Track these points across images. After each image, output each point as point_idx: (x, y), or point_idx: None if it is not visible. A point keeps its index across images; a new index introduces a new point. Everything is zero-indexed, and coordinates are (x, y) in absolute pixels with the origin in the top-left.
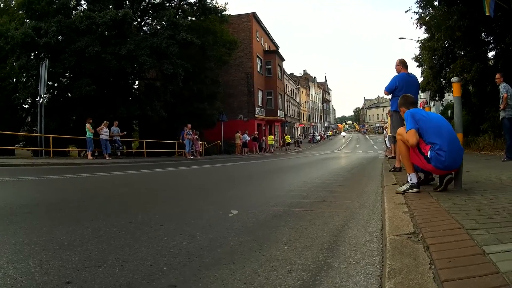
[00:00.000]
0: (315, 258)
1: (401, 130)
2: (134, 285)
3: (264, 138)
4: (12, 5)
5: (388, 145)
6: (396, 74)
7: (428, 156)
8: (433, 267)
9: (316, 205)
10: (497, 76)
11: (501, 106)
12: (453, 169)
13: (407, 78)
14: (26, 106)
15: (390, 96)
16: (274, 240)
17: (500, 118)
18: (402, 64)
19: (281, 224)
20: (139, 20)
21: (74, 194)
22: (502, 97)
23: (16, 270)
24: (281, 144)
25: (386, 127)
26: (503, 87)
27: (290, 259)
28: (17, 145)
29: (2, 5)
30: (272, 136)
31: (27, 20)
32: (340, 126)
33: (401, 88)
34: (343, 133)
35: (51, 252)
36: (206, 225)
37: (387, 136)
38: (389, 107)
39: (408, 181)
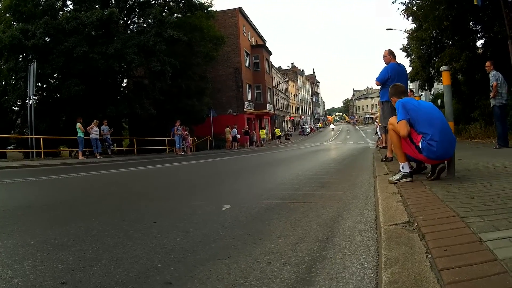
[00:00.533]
0: (310, 250)
1: (392, 119)
2: (129, 283)
3: (254, 132)
4: None
5: (379, 135)
6: (385, 64)
7: (420, 146)
8: (429, 256)
9: (309, 197)
10: (487, 64)
11: (491, 94)
12: (445, 158)
13: (397, 68)
14: (16, 108)
15: (379, 87)
16: (268, 233)
17: (491, 106)
18: (392, 54)
19: (274, 217)
20: (125, 18)
21: (66, 194)
22: (492, 85)
23: (11, 272)
24: (271, 137)
25: (377, 117)
26: (493, 75)
27: (285, 252)
28: (8, 147)
29: None
30: (264, 130)
31: (14, 23)
32: (330, 118)
33: (393, 78)
34: (332, 125)
35: (45, 253)
36: (199, 221)
37: (378, 127)
38: (379, 98)
39: (400, 171)
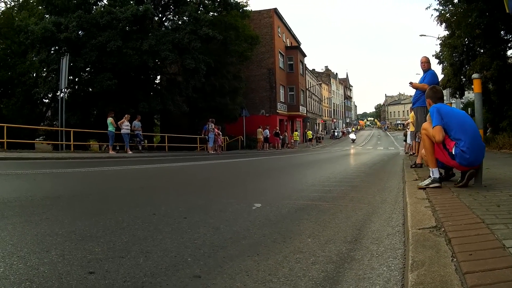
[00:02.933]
0: (339, 250)
1: (426, 125)
2: (158, 275)
3: (285, 133)
4: (31, 1)
5: (409, 141)
6: (423, 70)
7: (453, 153)
8: (455, 259)
9: (339, 199)
10: None
11: None
12: (475, 165)
13: (436, 75)
14: (46, 100)
15: (413, 92)
16: (298, 232)
17: None
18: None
19: (304, 217)
20: (160, 15)
21: (96, 187)
22: None
23: (38, 260)
24: (302, 140)
25: (408, 123)
26: None
27: (313, 252)
28: (37, 139)
29: (21, 0)
30: (297, 132)
31: (46, 16)
32: (361, 122)
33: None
34: (352, 135)
35: (73, 243)
36: (230, 218)
37: (409, 132)
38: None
39: (430, 176)
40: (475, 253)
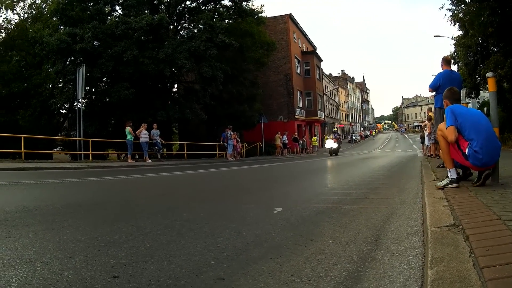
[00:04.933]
0: (359, 251)
1: (441, 125)
2: (182, 278)
3: (304, 138)
4: (45, 13)
5: (427, 143)
6: (441, 71)
7: (466, 154)
8: (472, 255)
9: (359, 201)
10: None
11: None
12: (490, 165)
13: (450, 75)
14: (63, 111)
15: (432, 94)
16: (319, 234)
17: None
18: (445, 61)
19: (325, 220)
20: (175, 24)
21: (117, 195)
22: None
23: (61, 266)
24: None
25: (425, 125)
26: None
27: (335, 252)
28: (55, 149)
29: (35, 12)
30: (315, 137)
31: (61, 27)
32: (379, 125)
33: (444, 85)
34: (329, 143)
35: (96, 249)
36: (251, 222)
37: (426, 134)
38: (427, 106)
39: (448, 176)
40: (492, 249)
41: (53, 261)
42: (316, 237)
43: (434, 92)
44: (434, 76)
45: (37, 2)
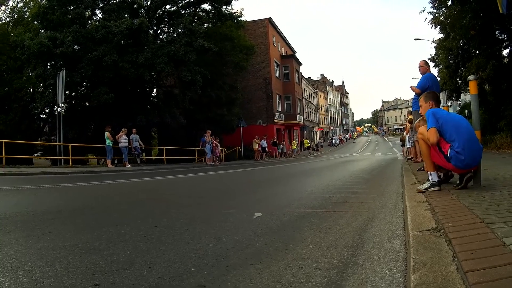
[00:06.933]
0: (340, 256)
1: (422, 129)
2: (163, 285)
3: (283, 142)
4: (26, 16)
5: (408, 145)
6: (421, 74)
7: (448, 155)
8: (456, 259)
9: (339, 206)
10: None
11: None
12: (472, 167)
13: (434, 78)
14: (44, 115)
15: (412, 96)
16: (299, 240)
17: None
18: (427, 64)
19: (305, 225)
20: (155, 28)
21: (96, 201)
22: None
23: (42, 274)
24: (300, 149)
25: (405, 128)
26: None
27: (316, 258)
28: (35, 154)
29: (16, 16)
30: (294, 141)
31: (42, 31)
32: (359, 129)
33: (431, 87)
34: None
35: (77, 256)
36: (231, 228)
37: (407, 137)
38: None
39: (429, 180)
40: (476, 252)
41: (34, 269)
42: (296, 242)
43: (420, 94)
44: (415, 79)
45: (18, 6)
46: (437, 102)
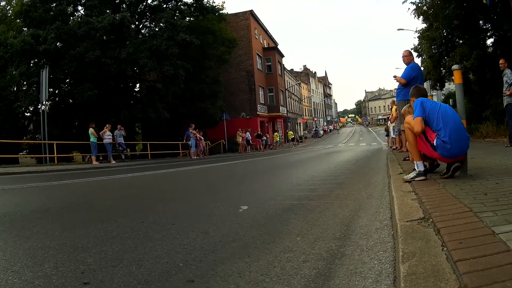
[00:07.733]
0: (328, 247)
1: (408, 118)
2: (152, 282)
3: (267, 135)
4: (9, 15)
5: (393, 135)
6: (405, 65)
7: (434, 144)
8: (445, 249)
9: (325, 197)
10: (501, 61)
11: (507, 92)
12: (459, 156)
13: (419, 68)
14: (28, 114)
15: (396, 86)
16: (286, 232)
17: (505, 104)
18: (411, 54)
19: (291, 217)
20: (137, 23)
21: (83, 198)
22: (510, 83)
23: (32, 274)
24: (284, 140)
25: (389, 118)
26: (510, 73)
27: (304, 250)
28: (21, 153)
29: None
30: (276, 133)
31: (25, 29)
32: (342, 119)
33: (417, 77)
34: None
35: (66, 255)
36: (218, 222)
37: (391, 127)
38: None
39: (415, 169)
40: (465, 241)
41: (24, 270)
42: (283, 235)
43: (405, 84)
44: (400, 70)
45: (1, 4)
46: (419, 96)
